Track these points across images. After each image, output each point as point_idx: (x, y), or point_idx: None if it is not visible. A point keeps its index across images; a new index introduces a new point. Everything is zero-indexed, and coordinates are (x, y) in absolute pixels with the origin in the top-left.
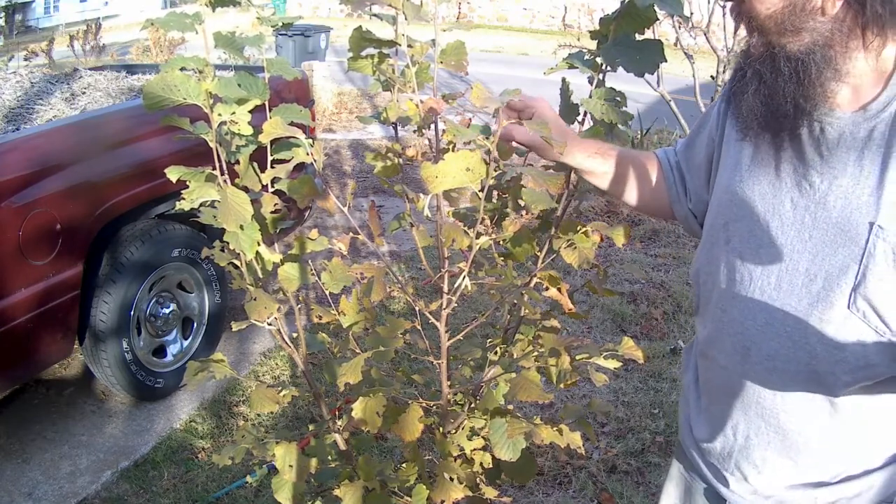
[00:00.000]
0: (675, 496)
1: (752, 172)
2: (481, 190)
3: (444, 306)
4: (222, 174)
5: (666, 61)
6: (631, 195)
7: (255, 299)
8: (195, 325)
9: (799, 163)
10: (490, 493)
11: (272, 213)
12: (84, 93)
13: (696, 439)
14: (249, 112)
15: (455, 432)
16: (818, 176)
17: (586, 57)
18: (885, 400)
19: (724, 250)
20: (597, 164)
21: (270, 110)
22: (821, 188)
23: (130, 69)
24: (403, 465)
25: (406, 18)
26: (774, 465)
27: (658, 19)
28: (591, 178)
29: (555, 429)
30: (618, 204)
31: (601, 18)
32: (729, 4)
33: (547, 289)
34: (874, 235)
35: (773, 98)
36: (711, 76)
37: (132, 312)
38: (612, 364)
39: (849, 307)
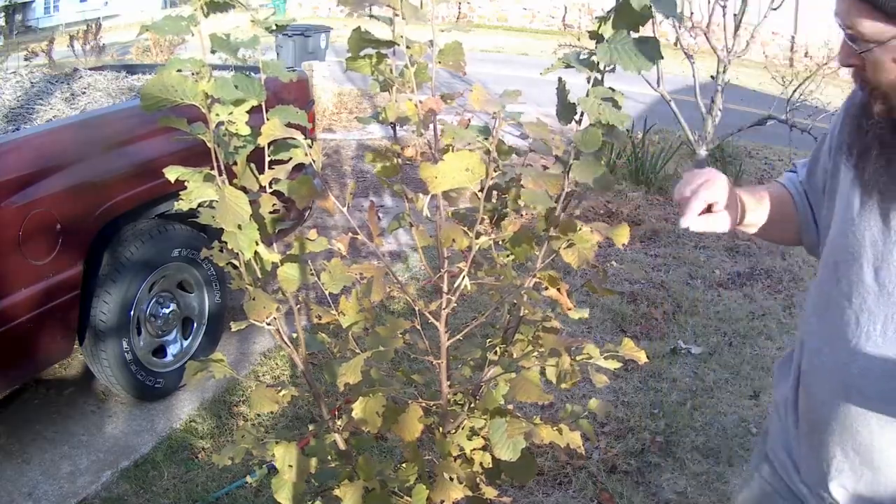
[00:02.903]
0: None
1: (862, 217)
2: (480, 190)
3: (443, 306)
4: (220, 174)
5: (662, 58)
6: (769, 234)
7: (254, 299)
8: (195, 325)
9: None
10: (490, 493)
11: (270, 213)
12: (84, 93)
13: (794, 460)
14: (247, 112)
15: (455, 432)
16: None
17: (582, 56)
18: None
19: (835, 290)
20: (757, 217)
21: (268, 111)
22: None
23: (130, 69)
24: (403, 465)
25: (404, 19)
26: (859, 495)
27: (653, 16)
28: (747, 229)
29: (555, 429)
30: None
31: (598, 17)
32: (850, 70)
33: (546, 289)
34: None
35: None
36: (711, 76)
37: (132, 312)
38: (613, 365)
39: None
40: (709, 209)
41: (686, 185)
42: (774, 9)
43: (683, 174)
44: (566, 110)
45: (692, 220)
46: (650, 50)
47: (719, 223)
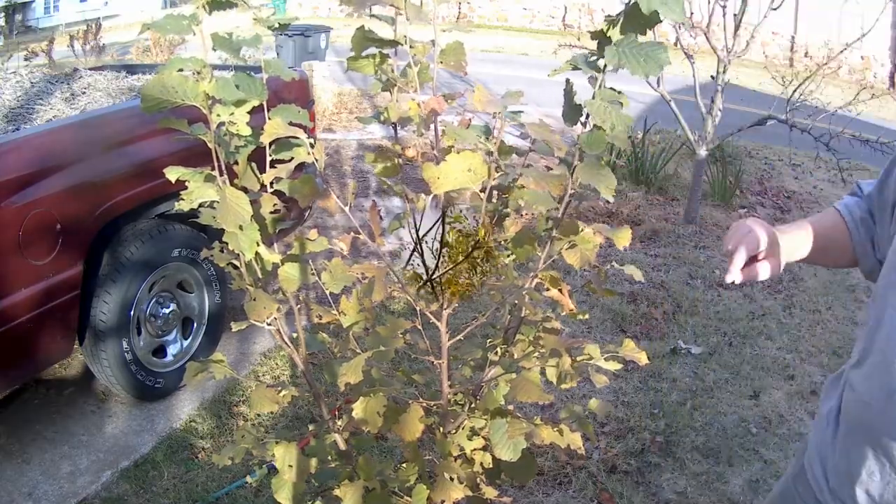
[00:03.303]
0: None
1: None
2: (482, 190)
3: (444, 306)
4: (221, 174)
5: (670, 64)
6: (820, 261)
7: (254, 300)
8: (195, 325)
9: None
10: (490, 493)
11: (271, 213)
12: (84, 93)
13: (826, 471)
14: (248, 112)
15: (455, 432)
16: None
17: (590, 59)
18: None
19: (894, 293)
20: (804, 252)
21: (269, 111)
22: None
23: (130, 69)
24: (403, 465)
25: (408, 19)
26: (885, 503)
27: (661, 21)
28: (794, 260)
29: (555, 429)
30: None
31: (605, 18)
32: None
33: (548, 289)
34: None
35: None
36: (711, 76)
37: (132, 312)
38: (613, 366)
39: None
40: (754, 258)
41: (729, 239)
42: (774, 9)
43: (732, 225)
44: (572, 112)
45: (736, 275)
46: (658, 55)
47: (762, 272)
